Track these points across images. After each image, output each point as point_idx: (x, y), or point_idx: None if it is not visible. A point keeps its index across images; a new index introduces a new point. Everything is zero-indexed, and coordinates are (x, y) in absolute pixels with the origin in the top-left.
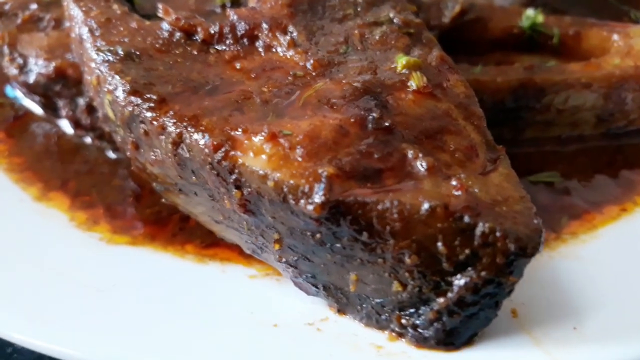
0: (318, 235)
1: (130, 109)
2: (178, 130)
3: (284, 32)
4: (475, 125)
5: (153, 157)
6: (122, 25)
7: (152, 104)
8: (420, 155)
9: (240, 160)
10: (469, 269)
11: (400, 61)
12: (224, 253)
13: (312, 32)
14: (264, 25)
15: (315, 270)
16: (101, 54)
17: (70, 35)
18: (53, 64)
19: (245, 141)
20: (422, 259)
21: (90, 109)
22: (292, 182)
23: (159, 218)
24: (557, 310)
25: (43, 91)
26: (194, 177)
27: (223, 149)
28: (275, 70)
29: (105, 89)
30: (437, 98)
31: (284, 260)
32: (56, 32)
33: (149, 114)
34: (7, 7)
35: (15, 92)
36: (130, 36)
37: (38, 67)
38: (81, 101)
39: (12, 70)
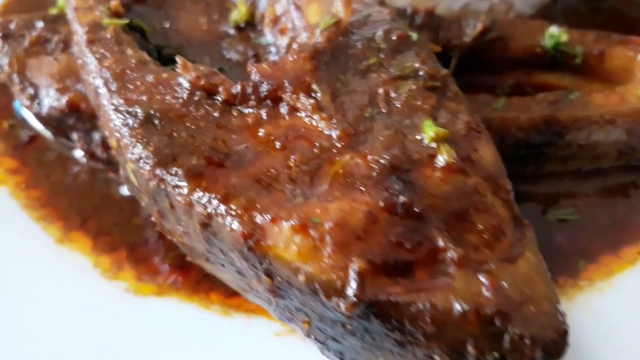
0: (349, 327)
1: (155, 182)
2: (206, 212)
3: (308, 92)
4: (503, 200)
5: (180, 229)
6: (138, 79)
7: (177, 180)
8: (451, 245)
9: (270, 252)
10: None
11: (428, 132)
12: (248, 304)
13: (336, 90)
14: (287, 85)
15: (344, 350)
16: (120, 115)
17: (83, 77)
18: (65, 98)
19: (275, 230)
20: (452, 358)
21: (106, 144)
22: (323, 277)
23: (182, 263)
24: None
25: (56, 124)
26: (222, 255)
27: (253, 239)
28: (300, 139)
29: (128, 157)
30: (466, 173)
31: (312, 336)
32: (65, 56)
33: (175, 191)
34: (12, 26)
35: (23, 111)
36: (148, 94)
37: (50, 100)
38: (96, 136)
39: (24, 101)
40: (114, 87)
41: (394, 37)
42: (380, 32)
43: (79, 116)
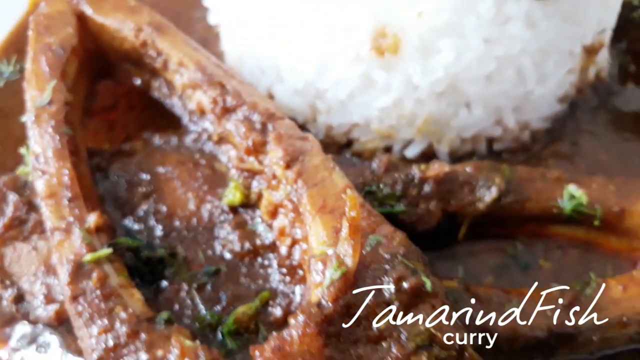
0: None
1: None
2: None
3: None
4: None
5: None
6: (132, 357)
7: None
8: None
9: None
10: None
11: None
12: None
13: None
14: None
15: None
16: None
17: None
18: (53, 310)
19: None
20: None
21: None
22: None
23: None
24: None
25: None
26: None
27: None
28: None
29: None
30: None
31: None
32: (44, 243)
33: None
34: None
35: None
36: None
37: (35, 308)
38: None
39: (9, 305)
40: None
41: (406, 288)
42: (391, 284)
43: (68, 327)
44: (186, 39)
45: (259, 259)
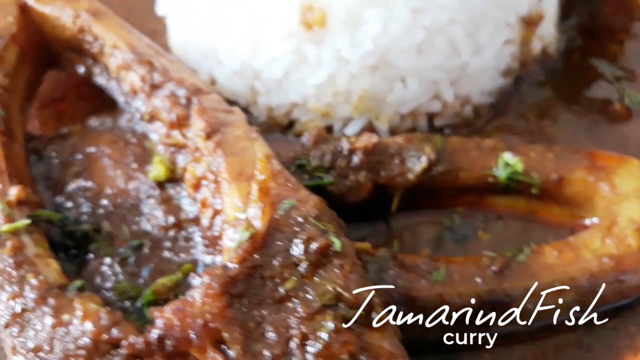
0: None
1: None
2: None
3: (218, 344)
4: None
5: None
6: (39, 321)
7: None
8: None
9: None
10: None
11: None
12: None
13: (249, 334)
14: (194, 338)
15: None
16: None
17: None
18: None
19: None
20: None
21: None
22: None
23: None
24: None
25: None
26: None
27: None
28: None
29: None
30: None
31: None
32: None
33: None
34: None
35: None
36: (50, 342)
37: None
38: None
39: None
40: (15, 331)
41: (315, 248)
42: (300, 244)
43: None
44: (122, 23)
45: (183, 232)
